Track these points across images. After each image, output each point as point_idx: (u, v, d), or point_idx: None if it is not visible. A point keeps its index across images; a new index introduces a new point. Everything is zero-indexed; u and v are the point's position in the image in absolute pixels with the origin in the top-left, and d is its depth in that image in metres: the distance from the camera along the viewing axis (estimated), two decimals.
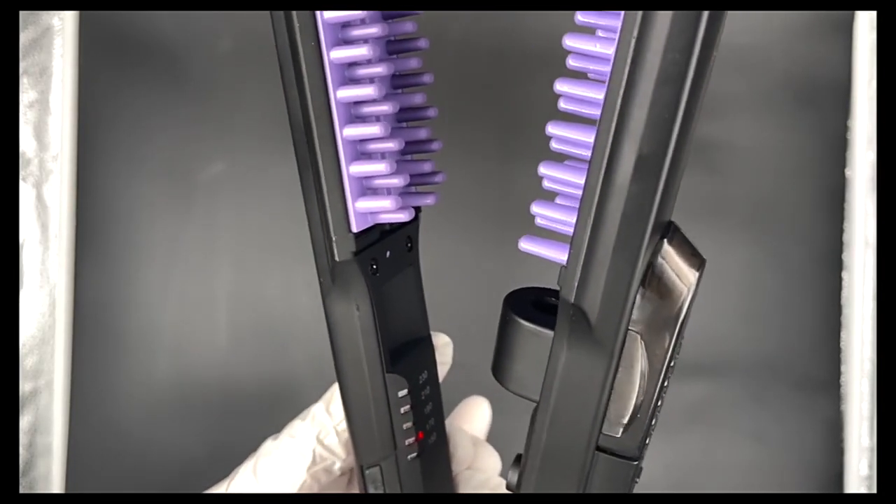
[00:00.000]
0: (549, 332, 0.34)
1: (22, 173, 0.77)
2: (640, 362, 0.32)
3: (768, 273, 0.78)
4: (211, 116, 0.77)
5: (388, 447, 0.41)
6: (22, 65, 0.77)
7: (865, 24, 0.77)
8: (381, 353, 0.38)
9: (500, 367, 0.36)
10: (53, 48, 0.78)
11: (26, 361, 0.77)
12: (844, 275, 0.78)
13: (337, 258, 0.36)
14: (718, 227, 0.77)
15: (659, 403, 0.33)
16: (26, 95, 0.77)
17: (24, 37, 0.77)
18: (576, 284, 0.32)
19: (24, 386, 0.77)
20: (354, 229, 0.36)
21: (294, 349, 0.78)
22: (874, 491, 0.78)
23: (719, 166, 0.77)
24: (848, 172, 0.78)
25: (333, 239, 0.36)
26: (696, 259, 0.34)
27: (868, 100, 0.77)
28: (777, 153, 0.77)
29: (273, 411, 0.78)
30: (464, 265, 0.76)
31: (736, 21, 0.76)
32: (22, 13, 0.77)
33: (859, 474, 0.78)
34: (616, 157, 0.30)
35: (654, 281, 0.32)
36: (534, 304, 0.36)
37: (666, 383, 0.33)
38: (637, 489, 0.76)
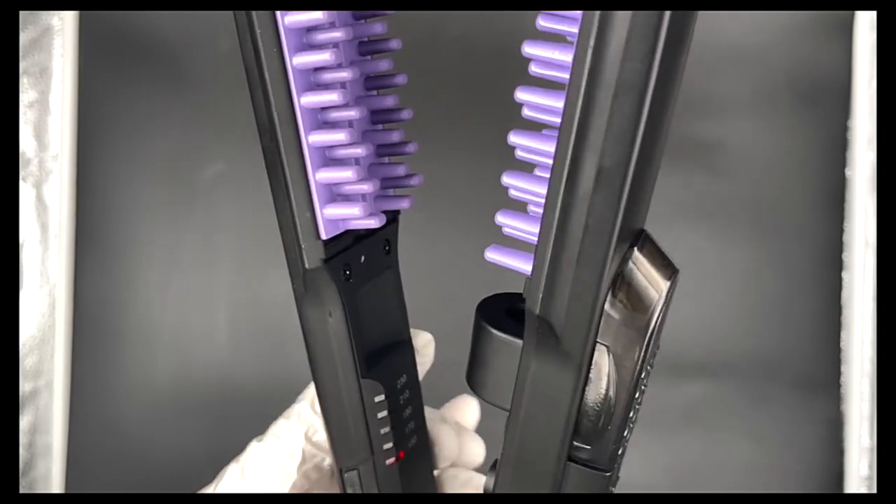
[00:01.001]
0: (520, 342, 0.33)
1: (22, 173, 0.77)
2: (608, 375, 0.32)
3: (769, 273, 0.77)
4: (211, 116, 0.77)
5: (365, 451, 0.41)
6: (22, 65, 0.77)
7: (865, 24, 0.76)
8: (356, 359, 0.38)
9: (473, 375, 0.36)
10: (53, 48, 0.78)
11: (26, 361, 0.77)
12: (844, 275, 0.78)
13: (307, 265, 0.36)
14: (719, 227, 0.77)
15: (632, 415, 0.33)
16: (26, 95, 0.77)
17: (24, 37, 0.77)
18: (540, 296, 0.31)
19: (24, 386, 0.77)
20: (324, 236, 0.36)
21: (293, 349, 0.78)
22: (874, 491, 0.77)
23: (719, 166, 0.77)
24: (848, 172, 0.77)
25: (303, 246, 0.36)
26: (667, 269, 0.33)
27: (868, 100, 0.77)
28: (777, 153, 0.77)
29: (272, 411, 0.78)
30: (462, 266, 0.76)
31: (736, 21, 0.76)
32: (22, 13, 0.77)
33: (859, 474, 0.78)
34: (577, 168, 0.29)
35: (623, 291, 0.31)
36: (507, 311, 0.36)
37: (638, 395, 0.32)
38: (637, 489, 0.76)
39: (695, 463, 0.78)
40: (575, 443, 0.33)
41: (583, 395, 0.32)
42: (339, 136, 0.34)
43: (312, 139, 0.35)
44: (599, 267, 0.31)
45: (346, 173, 0.34)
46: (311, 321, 0.38)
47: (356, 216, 0.35)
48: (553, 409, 0.32)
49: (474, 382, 0.36)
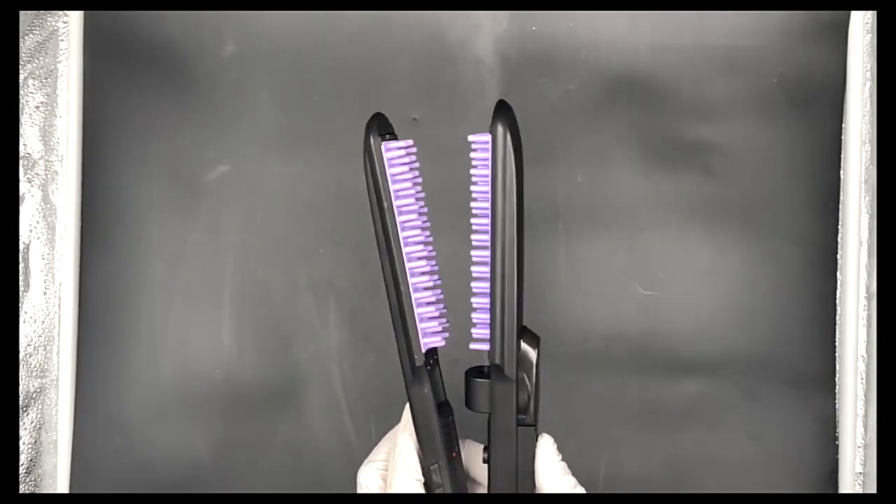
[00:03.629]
0: (488, 380, 0.61)
1: (28, 175, 0.78)
2: (526, 383, 0.61)
3: (763, 272, 0.78)
4: (216, 118, 0.78)
5: (441, 453, 0.63)
6: (28, 68, 0.78)
7: (860, 26, 0.77)
8: (436, 409, 0.63)
9: (469, 401, 0.63)
10: (59, 51, 0.79)
11: (32, 360, 0.78)
12: (839, 274, 0.79)
13: (417, 364, 0.61)
14: (714, 228, 0.78)
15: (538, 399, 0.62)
16: (32, 98, 0.78)
17: (31, 40, 0.78)
18: (496, 356, 0.59)
19: (31, 384, 0.78)
20: (423, 350, 0.61)
21: (297, 348, 0.79)
22: (869, 488, 0.78)
23: (715, 168, 0.78)
24: (842, 173, 0.78)
25: (416, 356, 0.61)
26: (536, 338, 0.61)
27: (862, 102, 0.78)
28: (772, 155, 0.78)
29: (276, 409, 0.79)
30: (463, 265, 0.77)
31: (731, 23, 0.77)
32: (27, 17, 0.78)
33: (854, 471, 0.79)
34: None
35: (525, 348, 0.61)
36: (477, 372, 0.63)
37: (538, 390, 0.61)
38: (634, 484, 0.77)
39: (691, 459, 0.79)
40: (518, 415, 0.61)
41: (518, 393, 0.60)
42: (429, 295, 0.61)
43: (416, 296, 0.61)
44: (514, 343, 0.59)
45: (433, 314, 0.61)
46: (415, 391, 0.62)
47: (437, 340, 0.61)
48: (508, 403, 0.61)
49: (470, 404, 0.62)
